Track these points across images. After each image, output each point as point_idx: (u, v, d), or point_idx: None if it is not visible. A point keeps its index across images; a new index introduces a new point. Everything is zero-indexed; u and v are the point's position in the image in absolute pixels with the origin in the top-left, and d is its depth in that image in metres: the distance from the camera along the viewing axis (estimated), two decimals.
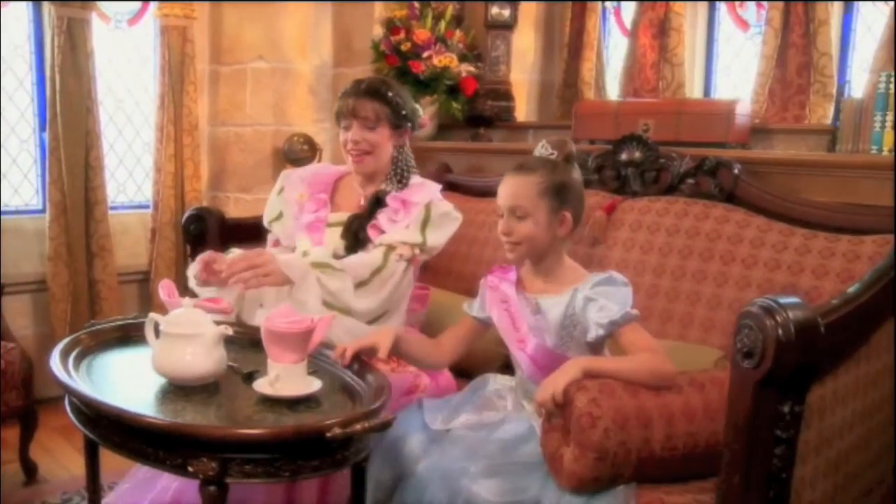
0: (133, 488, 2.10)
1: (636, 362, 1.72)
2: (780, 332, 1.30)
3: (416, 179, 2.34)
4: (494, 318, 1.97)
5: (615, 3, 3.72)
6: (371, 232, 2.24)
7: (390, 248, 2.17)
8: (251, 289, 2.04)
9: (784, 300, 1.36)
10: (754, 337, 1.32)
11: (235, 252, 2.16)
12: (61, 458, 2.94)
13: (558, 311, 1.87)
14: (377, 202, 2.28)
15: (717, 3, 3.39)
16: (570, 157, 1.91)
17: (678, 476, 1.68)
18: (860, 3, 2.96)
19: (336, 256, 2.23)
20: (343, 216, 2.30)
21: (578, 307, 1.84)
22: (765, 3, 3.08)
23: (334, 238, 2.28)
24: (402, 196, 2.27)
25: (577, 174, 1.93)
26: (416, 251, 2.21)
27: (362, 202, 2.32)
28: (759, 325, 1.32)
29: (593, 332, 1.81)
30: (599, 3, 3.61)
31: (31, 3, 3.44)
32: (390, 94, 2.28)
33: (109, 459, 2.40)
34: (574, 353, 1.84)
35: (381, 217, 2.25)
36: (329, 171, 2.46)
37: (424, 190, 2.30)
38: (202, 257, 2.08)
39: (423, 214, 2.23)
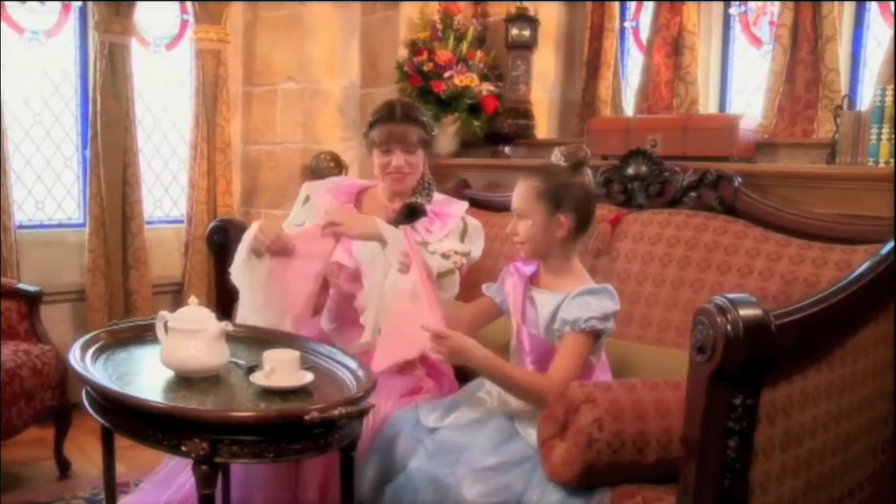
0: (153, 487, 2.24)
1: (526, 380, 1.90)
2: (728, 328, 1.37)
3: (438, 196, 2.44)
4: (508, 302, 2.09)
5: (634, 23, 3.80)
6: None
7: (445, 255, 2.24)
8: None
9: (738, 299, 1.42)
10: (706, 332, 1.39)
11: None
12: (94, 457, 3.09)
13: (548, 308, 1.97)
14: (412, 211, 2.34)
15: (732, 21, 3.45)
16: (579, 164, 2.00)
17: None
18: (871, 13, 2.99)
19: None
20: None
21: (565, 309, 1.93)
22: (776, 20, 3.13)
23: (362, 248, 2.28)
24: (434, 209, 2.37)
25: (583, 179, 2.01)
26: (464, 261, 2.28)
27: (392, 214, 2.38)
28: (711, 321, 1.39)
29: (557, 325, 1.93)
30: (617, 22, 3.69)
31: (78, 29, 3.66)
32: (423, 118, 2.39)
33: (138, 460, 2.53)
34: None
35: (419, 226, 2.32)
36: (350, 184, 2.56)
37: (456, 204, 2.40)
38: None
39: (461, 226, 2.32)
